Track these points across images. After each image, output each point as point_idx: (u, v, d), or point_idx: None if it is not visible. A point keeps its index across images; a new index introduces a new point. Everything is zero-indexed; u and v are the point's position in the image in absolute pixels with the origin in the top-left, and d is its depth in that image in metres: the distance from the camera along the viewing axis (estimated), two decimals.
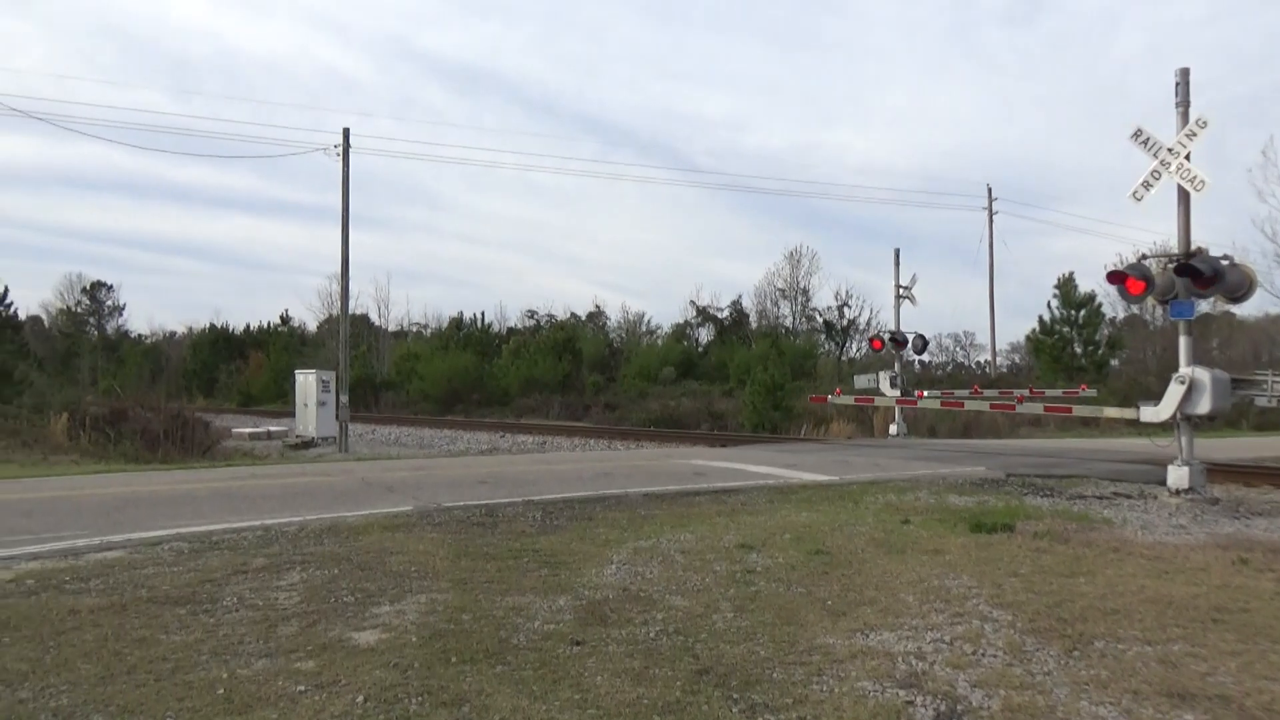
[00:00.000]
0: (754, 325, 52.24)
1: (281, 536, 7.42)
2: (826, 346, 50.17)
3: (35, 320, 72.79)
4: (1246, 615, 5.09)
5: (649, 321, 58.67)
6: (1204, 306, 14.66)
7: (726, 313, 53.55)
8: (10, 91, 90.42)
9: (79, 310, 72.87)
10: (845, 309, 49.90)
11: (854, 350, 49.55)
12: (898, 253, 22.37)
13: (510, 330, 57.75)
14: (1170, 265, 10.28)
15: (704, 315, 54.07)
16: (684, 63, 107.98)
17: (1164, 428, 10.72)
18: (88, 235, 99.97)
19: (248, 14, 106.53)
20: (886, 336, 22.05)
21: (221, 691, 3.80)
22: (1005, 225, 74.82)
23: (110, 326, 74.38)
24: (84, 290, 72.92)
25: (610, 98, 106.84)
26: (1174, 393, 10.18)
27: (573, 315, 58.93)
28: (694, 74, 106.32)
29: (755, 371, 29.90)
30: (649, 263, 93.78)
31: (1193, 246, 10.33)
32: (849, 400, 20.39)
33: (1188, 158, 10.17)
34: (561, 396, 40.36)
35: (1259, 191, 27.27)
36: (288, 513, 8.57)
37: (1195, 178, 10.11)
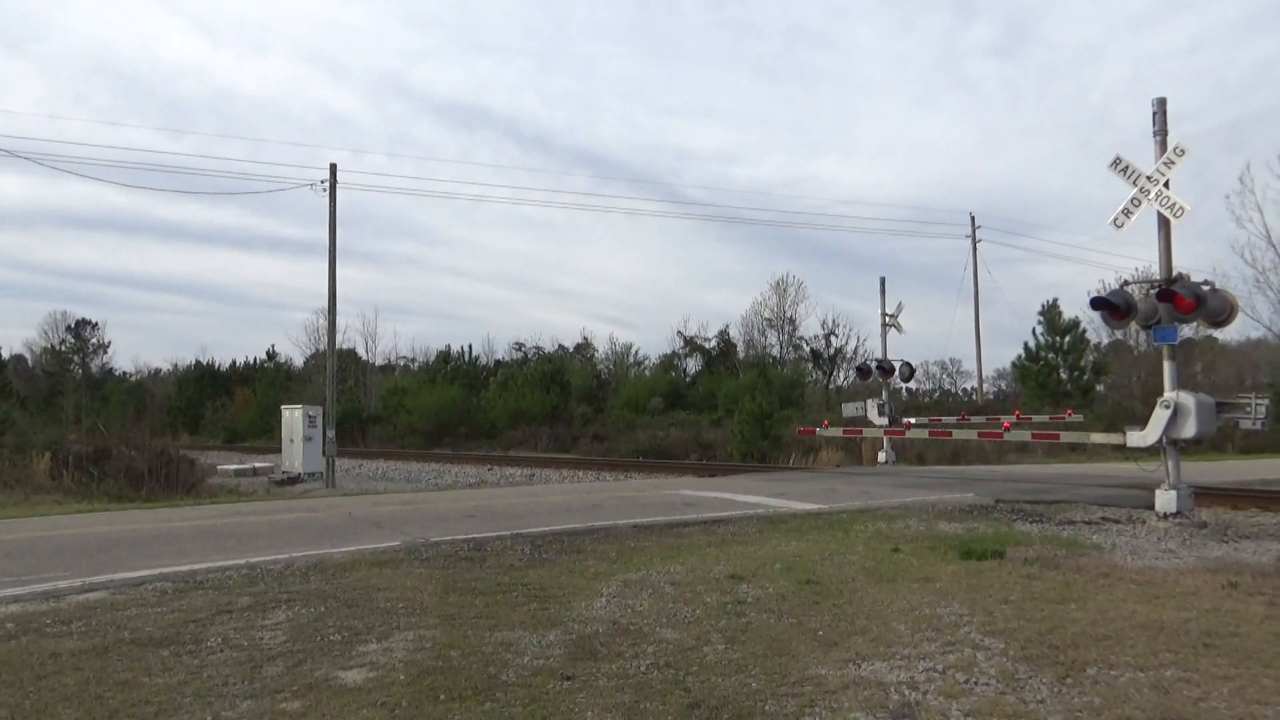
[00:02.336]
0: (741, 355, 52.34)
1: (267, 575, 7.33)
2: (814, 375, 50.27)
3: (19, 359, 72.39)
4: (1237, 639, 5.09)
5: (637, 352, 58.72)
6: (1187, 331, 14.81)
7: (714, 343, 53.65)
8: (2, 131, 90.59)
9: (63, 348, 72.41)
10: (832, 338, 50.11)
11: (841, 378, 49.71)
12: (883, 281, 22.54)
13: (498, 363, 57.70)
14: (1152, 291, 10.39)
15: (691, 345, 54.14)
16: (675, 97, 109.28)
17: (1150, 452, 10.76)
18: (74, 273, 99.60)
19: (241, 52, 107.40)
20: (873, 364, 22.12)
21: None
22: (992, 254, 75.59)
23: (95, 364, 73.97)
24: (68, 328, 72.55)
25: (602, 132, 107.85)
26: (1159, 417, 10.24)
27: (560, 347, 58.93)
28: (685, 108, 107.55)
29: (743, 401, 29.91)
30: (637, 294, 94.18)
31: (1174, 272, 10.44)
32: (837, 433, 20.41)
33: (1167, 185, 10.31)
34: (549, 428, 40.27)
35: (1238, 218, 27.76)
36: (273, 550, 8.48)
37: (1174, 204, 10.24)
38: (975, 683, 4.36)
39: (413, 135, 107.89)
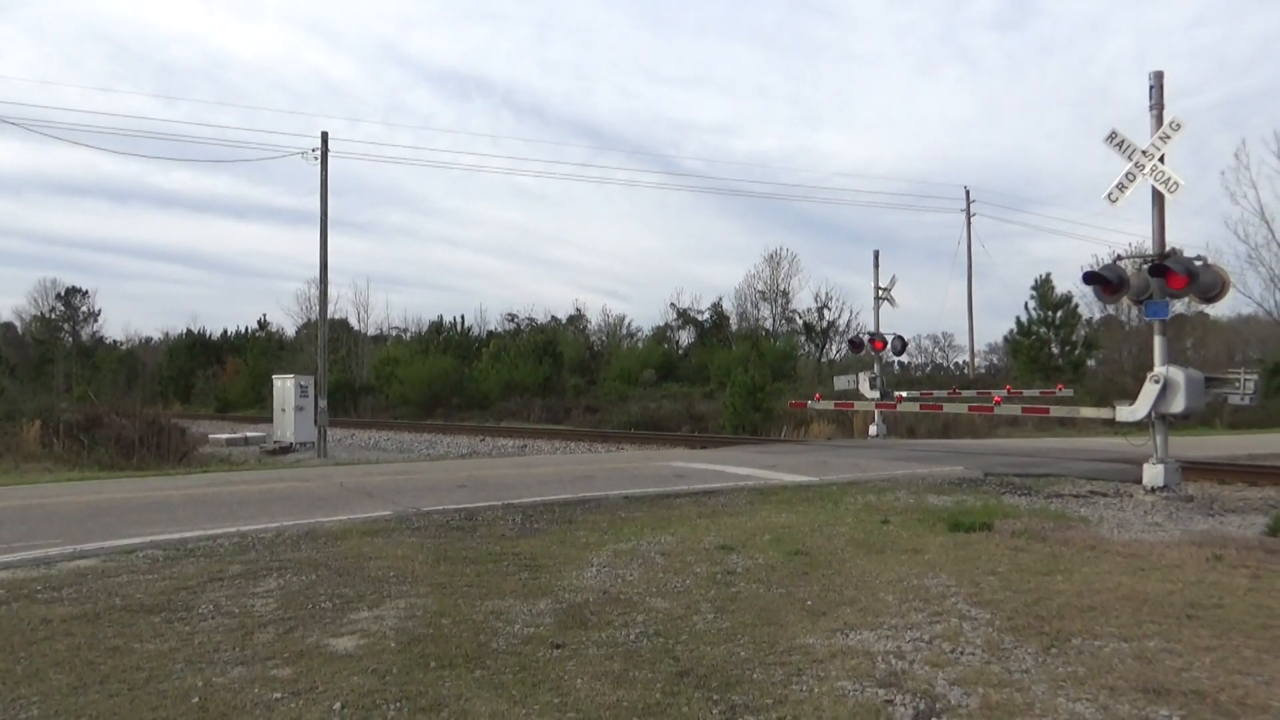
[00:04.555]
0: (734, 327, 52.38)
1: (258, 543, 7.35)
2: (806, 348, 50.38)
3: (8, 327, 72.08)
4: (1220, 611, 5.14)
5: (629, 324, 58.75)
6: (1178, 307, 14.84)
7: (707, 315, 53.67)
8: None
9: (53, 316, 72.10)
10: (825, 311, 50.23)
11: (834, 352, 49.87)
12: (877, 254, 22.53)
13: (490, 334, 57.64)
14: (1145, 266, 10.39)
15: (684, 318, 54.15)
16: (674, 67, 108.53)
17: (1139, 427, 10.81)
18: (65, 241, 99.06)
19: (235, 18, 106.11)
20: (866, 338, 22.16)
21: (196, 700, 3.75)
22: (989, 228, 75.77)
23: (85, 333, 73.73)
24: (58, 296, 72.24)
25: (600, 102, 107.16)
26: (1149, 392, 10.28)
27: (553, 318, 58.94)
28: (684, 78, 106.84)
29: (735, 373, 29.97)
30: (631, 266, 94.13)
31: (1167, 247, 10.44)
32: (828, 406, 20.47)
33: (1162, 160, 10.27)
34: (542, 400, 40.31)
35: (1232, 194, 27.82)
36: (265, 519, 8.50)
37: (1169, 179, 10.22)
38: (961, 653, 4.40)
39: (409, 104, 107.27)
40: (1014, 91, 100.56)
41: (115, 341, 74.59)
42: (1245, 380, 10.22)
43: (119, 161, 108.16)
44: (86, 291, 73.63)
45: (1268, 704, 3.70)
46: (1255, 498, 10.68)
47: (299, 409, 26.44)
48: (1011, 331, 39.98)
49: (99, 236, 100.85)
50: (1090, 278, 10.84)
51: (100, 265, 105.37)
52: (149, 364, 68.01)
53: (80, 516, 8.83)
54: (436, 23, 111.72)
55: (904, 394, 22.11)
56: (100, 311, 74.84)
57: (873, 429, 22.13)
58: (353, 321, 61.55)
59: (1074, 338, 38.52)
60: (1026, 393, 24.51)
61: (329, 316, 29.63)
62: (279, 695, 3.80)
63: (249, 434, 29.13)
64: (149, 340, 76.44)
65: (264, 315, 69.85)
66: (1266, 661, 4.24)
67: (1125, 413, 10.65)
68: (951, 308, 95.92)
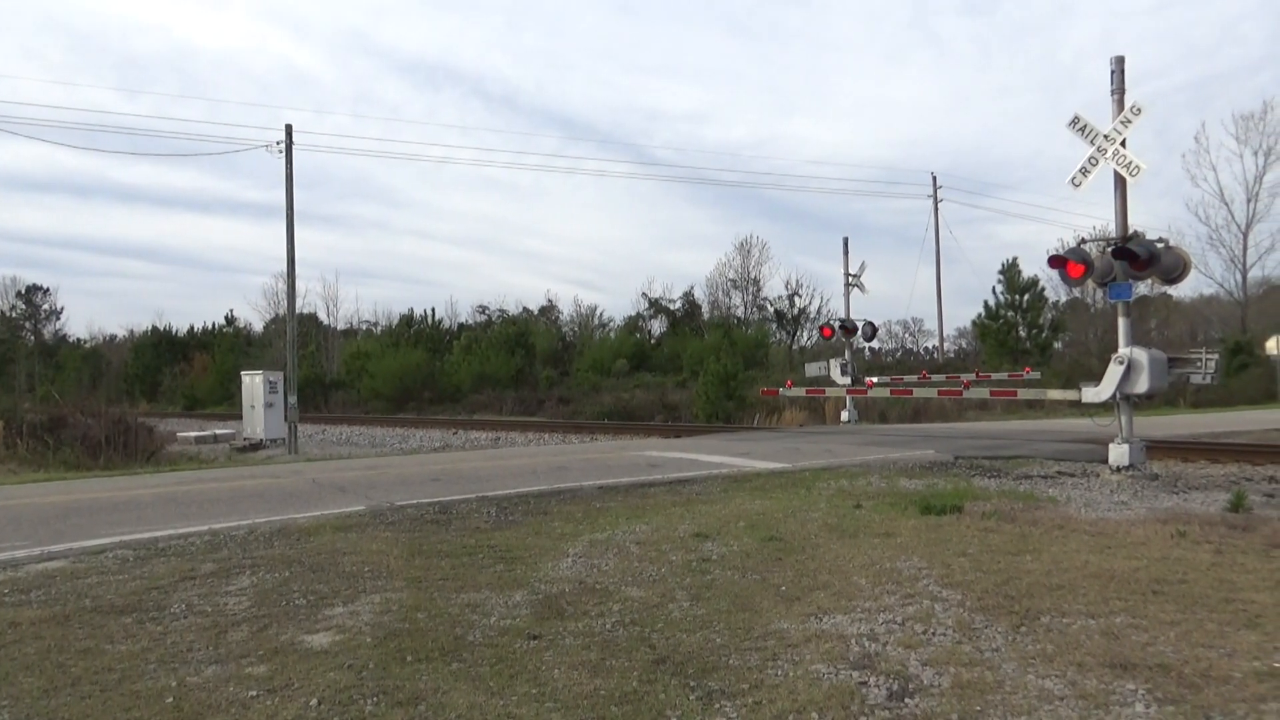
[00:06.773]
0: (706, 316, 52.51)
1: (230, 541, 7.28)
2: (778, 335, 50.66)
3: None
4: (1185, 586, 5.25)
5: (601, 314, 58.77)
6: (1142, 289, 15.08)
7: (679, 304, 53.76)
8: None
9: (14, 315, 70.80)
10: (796, 298, 50.50)
11: (805, 339, 50.17)
12: (846, 241, 22.61)
13: (462, 326, 57.40)
14: (1108, 249, 10.53)
15: (656, 307, 54.18)
16: (646, 55, 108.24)
17: (1105, 407, 10.98)
18: (25, 238, 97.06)
19: (200, 7, 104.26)
20: (836, 324, 22.27)
21: (170, 700, 3.72)
22: (956, 214, 76.38)
23: (48, 331, 72.48)
24: (19, 294, 70.97)
25: (571, 91, 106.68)
26: (1113, 373, 10.43)
27: (525, 310, 58.79)
28: (656, 67, 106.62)
29: (708, 362, 30.03)
30: (603, 256, 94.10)
31: (1130, 230, 10.59)
32: (800, 393, 20.59)
33: (1123, 144, 10.40)
34: (514, 392, 40.21)
35: (1193, 176, 28.31)
36: (236, 516, 8.42)
37: (1130, 163, 10.35)
38: (933, 633, 4.46)
39: (377, 94, 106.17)
40: (983, 77, 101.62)
41: (79, 340, 73.48)
42: (1207, 360, 10.40)
43: (80, 156, 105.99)
44: (48, 289, 72.49)
45: (1230, 675, 3.79)
46: (1218, 474, 10.90)
47: (268, 405, 26.16)
48: (980, 315, 40.44)
49: (60, 233, 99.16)
50: (1055, 261, 10.97)
51: (62, 262, 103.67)
52: (114, 362, 66.96)
53: (47, 517, 8.70)
54: (405, 11, 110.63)
55: (875, 379, 22.31)
56: (63, 309, 73.77)
57: (844, 415, 22.28)
58: (322, 316, 61.14)
59: (1041, 321, 39.03)
60: (995, 376, 24.85)
61: (297, 311, 29.35)
62: (254, 693, 3.78)
63: (218, 431, 28.77)
64: (113, 338, 75.36)
65: (231, 311, 69.10)
66: (1229, 634, 4.34)
67: (1091, 394, 10.81)
68: (921, 293, 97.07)
